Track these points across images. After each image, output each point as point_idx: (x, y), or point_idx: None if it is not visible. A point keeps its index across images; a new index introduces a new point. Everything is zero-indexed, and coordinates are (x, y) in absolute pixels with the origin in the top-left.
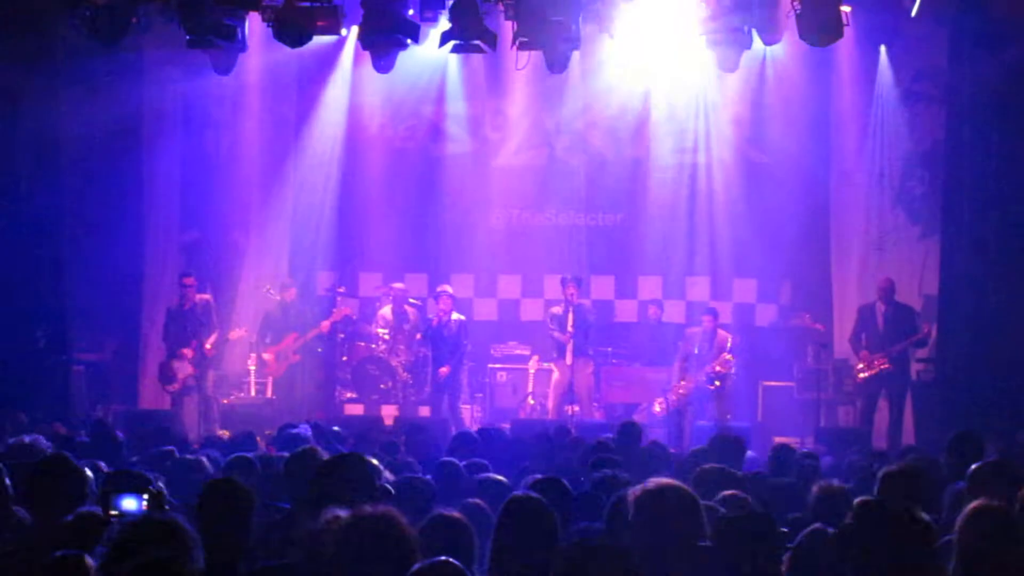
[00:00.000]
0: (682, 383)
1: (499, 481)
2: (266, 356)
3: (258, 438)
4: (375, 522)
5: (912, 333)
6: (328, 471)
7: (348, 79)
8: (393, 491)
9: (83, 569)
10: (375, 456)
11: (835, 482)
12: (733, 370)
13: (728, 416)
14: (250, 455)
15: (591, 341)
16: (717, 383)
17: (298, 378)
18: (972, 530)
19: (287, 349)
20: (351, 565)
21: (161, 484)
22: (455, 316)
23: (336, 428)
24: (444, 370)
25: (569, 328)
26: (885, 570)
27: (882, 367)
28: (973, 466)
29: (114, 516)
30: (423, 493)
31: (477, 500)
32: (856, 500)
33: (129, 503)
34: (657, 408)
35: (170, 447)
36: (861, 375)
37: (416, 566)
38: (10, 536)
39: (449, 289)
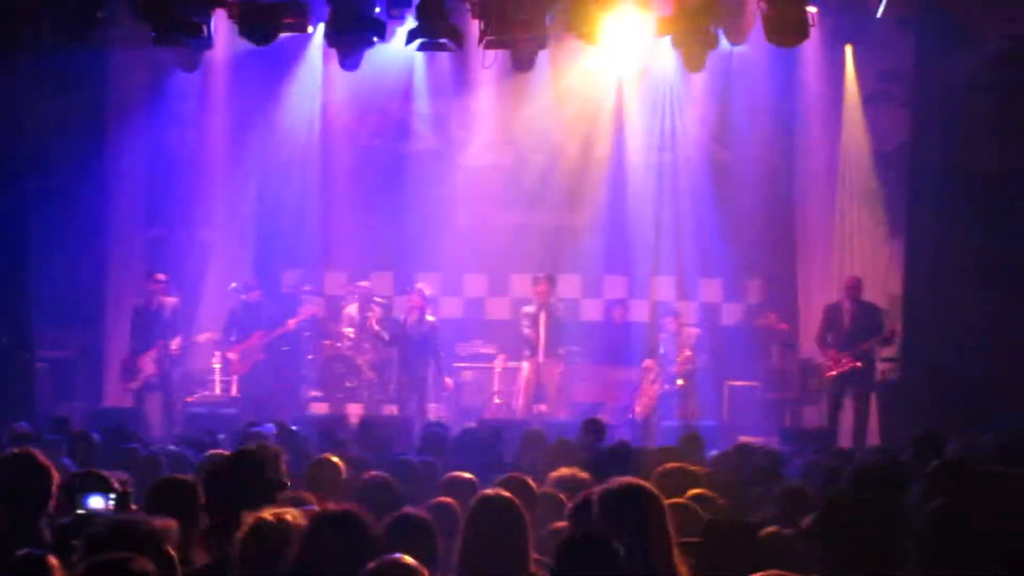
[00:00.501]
0: (652, 387)
1: (466, 479)
2: (231, 355)
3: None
4: (337, 520)
5: (878, 331)
6: (225, 472)
7: (314, 77)
8: (288, 483)
9: (46, 569)
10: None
11: (797, 482)
12: (696, 365)
13: (696, 415)
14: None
15: (562, 340)
16: (680, 381)
17: (263, 376)
18: (933, 529)
19: (253, 347)
20: (313, 562)
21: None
22: (428, 317)
23: (293, 427)
24: (448, 381)
25: (541, 327)
26: (851, 565)
27: (850, 366)
28: (931, 465)
29: (81, 515)
30: (387, 491)
31: (446, 499)
32: (828, 496)
33: (96, 502)
34: (638, 409)
35: (134, 445)
36: (829, 374)
37: (370, 564)
38: None
39: (426, 289)
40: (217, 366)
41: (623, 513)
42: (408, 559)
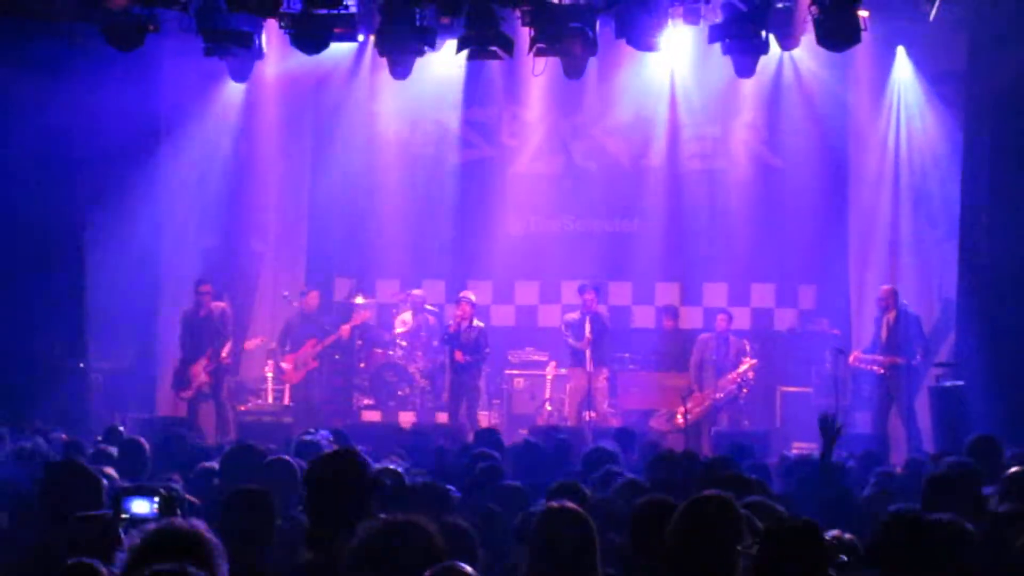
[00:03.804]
0: (704, 393)
1: (516, 488)
2: (284, 364)
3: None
4: (402, 528)
5: (915, 339)
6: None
7: (365, 86)
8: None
9: None
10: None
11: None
12: (752, 375)
13: (745, 422)
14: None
15: (607, 348)
16: (745, 390)
17: (316, 385)
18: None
19: (306, 356)
20: (374, 568)
21: (178, 487)
22: (476, 323)
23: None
24: (458, 355)
25: (587, 335)
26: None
27: (874, 369)
28: (1010, 471)
29: (124, 519)
30: (436, 498)
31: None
32: (889, 511)
33: (140, 506)
34: (679, 419)
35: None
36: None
37: (425, 572)
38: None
39: (472, 296)
40: (269, 375)
41: (698, 523)
42: (465, 567)
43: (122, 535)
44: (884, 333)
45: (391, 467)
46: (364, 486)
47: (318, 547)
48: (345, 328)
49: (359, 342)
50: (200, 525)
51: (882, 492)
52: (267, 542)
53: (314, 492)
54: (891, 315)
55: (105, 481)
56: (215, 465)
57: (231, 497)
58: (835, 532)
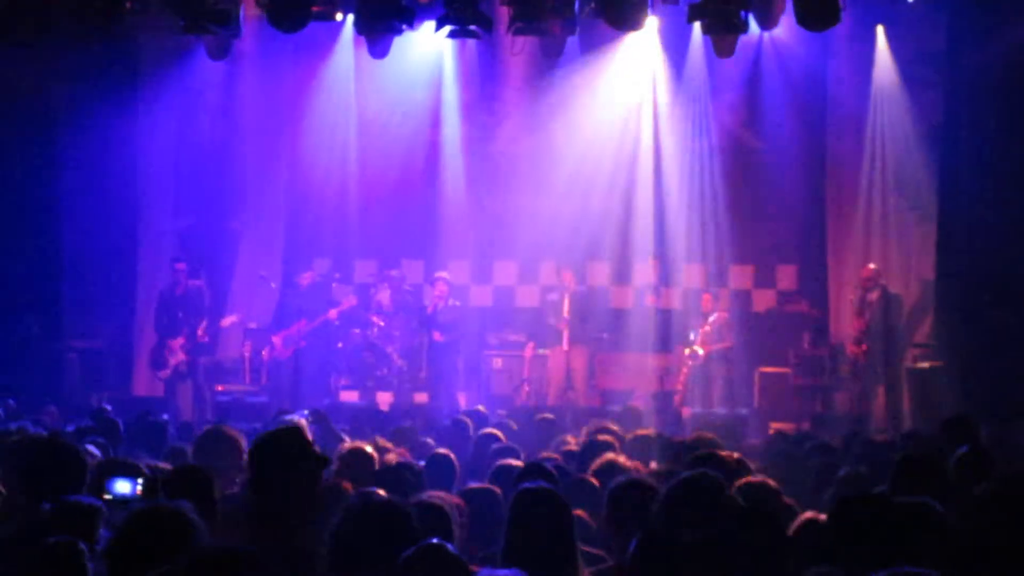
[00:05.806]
0: (684, 374)
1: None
2: (275, 339)
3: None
4: (380, 508)
5: (896, 318)
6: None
7: (343, 65)
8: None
9: (77, 555)
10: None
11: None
12: (728, 348)
13: (722, 401)
14: None
15: (588, 327)
16: (726, 368)
17: (304, 364)
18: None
19: (296, 335)
20: (353, 549)
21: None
22: (453, 302)
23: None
24: (436, 335)
25: (565, 314)
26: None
27: (859, 349)
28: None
29: (107, 500)
30: (409, 476)
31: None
32: (838, 497)
33: (123, 486)
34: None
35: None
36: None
37: (408, 551)
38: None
39: (446, 275)
40: (247, 355)
41: (690, 504)
42: (447, 545)
43: (104, 511)
44: (867, 313)
45: (364, 448)
46: (309, 462)
47: (266, 523)
48: (333, 312)
49: (336, 322)
50: (185, 506)
51: (856, 473)
52: (211, 519)
53: (259, 468)
54: (874, 294)
55: (89, 459)
56: (185, 446)
57: (174, 474)
58: (810, 514)
